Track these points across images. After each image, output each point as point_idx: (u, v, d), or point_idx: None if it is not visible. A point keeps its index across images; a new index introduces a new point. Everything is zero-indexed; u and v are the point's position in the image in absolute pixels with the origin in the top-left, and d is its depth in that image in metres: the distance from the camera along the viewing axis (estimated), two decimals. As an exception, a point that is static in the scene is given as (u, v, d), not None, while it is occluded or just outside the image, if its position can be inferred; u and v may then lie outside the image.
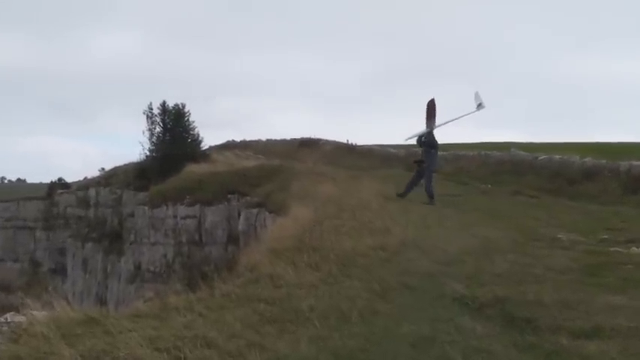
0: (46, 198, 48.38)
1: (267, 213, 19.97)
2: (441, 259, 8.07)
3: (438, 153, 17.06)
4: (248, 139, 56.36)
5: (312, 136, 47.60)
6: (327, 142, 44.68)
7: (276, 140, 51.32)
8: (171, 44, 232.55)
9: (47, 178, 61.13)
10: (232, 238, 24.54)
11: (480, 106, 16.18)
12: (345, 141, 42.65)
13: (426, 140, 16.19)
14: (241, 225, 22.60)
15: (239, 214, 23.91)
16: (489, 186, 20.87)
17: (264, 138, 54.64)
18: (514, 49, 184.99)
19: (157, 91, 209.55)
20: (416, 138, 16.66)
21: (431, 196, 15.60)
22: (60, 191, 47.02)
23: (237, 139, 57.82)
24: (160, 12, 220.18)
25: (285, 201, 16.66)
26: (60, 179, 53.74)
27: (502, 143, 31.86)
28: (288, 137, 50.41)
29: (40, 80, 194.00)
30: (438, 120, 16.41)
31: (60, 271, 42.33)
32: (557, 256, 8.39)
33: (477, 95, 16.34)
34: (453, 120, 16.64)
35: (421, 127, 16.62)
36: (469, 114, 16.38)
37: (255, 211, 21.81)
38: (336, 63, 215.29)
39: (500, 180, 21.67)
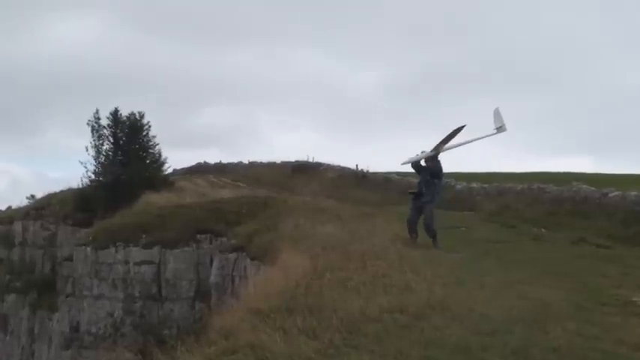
0: (-45, 233, 48.34)
1: (248, 260, 20.01)
2: (479, 327, 8.03)
3: (442, 183, 17.41)
4: (225, 161, 56.64)
5: (310, 159, 47.74)
6: (329, 167, 44.83)
7: (262, 164, 51.37)
8: (141, 33, 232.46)
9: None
10: (201, 293, 24.51)
11: (500, 128, 16.46)
12: (353, 167, 42.75)
13: (431, 167, 16.38)
14: (214, 275, 22.60)
15: (211, 261, 23.92)
16: (543, 230, 20.85)
17: (246, 160, 54.83)
18: (580, 53, 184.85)
19: (120, 96, 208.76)
20: (414, 163, 16.72)
21: (434, 236, 16.03)
22: (-26, 225, 47.04)
23: (212, 160, 58.11)
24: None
25: (272, 245, 16.68)
26: (-26, 209, 53.83)
27: (561, 174, 32.01)
28: (277, 160, 50.47)
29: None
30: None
31: (-29, 330, 42.14)
32: (631, 326, 8.36)
33: (496, 114, 16.60)
34: (463, 143, 16.81)
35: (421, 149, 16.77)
36: (485, 137, 16.68)
37: (232, 256, 21.84)
38: (354, 65, 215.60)
39: (558, 223, 21.66)
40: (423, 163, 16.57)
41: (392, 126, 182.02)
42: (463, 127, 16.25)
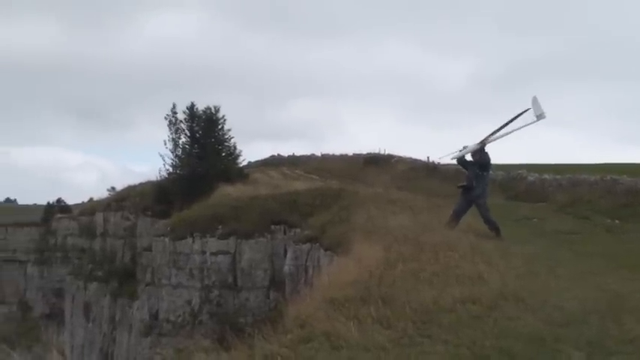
0: (41, 224, 49.70)
1: (322, 250, 20.06)
2: (553, 318, 7.95)
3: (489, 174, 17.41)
4: (298, 153, 56.99)
5: (382, 151, 47.67)
6: (400, 159, 44.67)
7: (334, 156, 51.50)
8: (232, 30, 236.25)
9: (43, 199, 63.03)
10: (276, 282, 24.71)
11: (540, 116, 16.26)
12: (424, 159, 42.55)
13: (479, 160, 16.30)
14: (288, 265, 22.72)
15: (285, 251, 24.07)
16: (617, 222, 20.46)
17: (318, 152, 55.07)
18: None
19: (209, 90, 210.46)
20: (462, 156, 16.60)
21: (496, 229, 15.87)
22: (59, 216, 48.30)
23: (286, 153, 58.51)
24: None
25: (345, 236, 16.70)
26: (59, 201, 55.25)
27: (636, 165, 31.20)
28: (350, 152, 50.58)
29: (60, 75, 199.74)
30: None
31: (56, 317, 43.36)
32: None
33: (535, 102, 16.40)
34: (505, 134, 16.60)
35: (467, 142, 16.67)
36: (525, 126, 16.52)
37: (306, 247, 21.91)
38: (441, 58, 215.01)
39: (633, 214, 21.21)
40: (469, 157, 16.51)
41: (476, 118, 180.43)
42: (527, 110, 16.28)
